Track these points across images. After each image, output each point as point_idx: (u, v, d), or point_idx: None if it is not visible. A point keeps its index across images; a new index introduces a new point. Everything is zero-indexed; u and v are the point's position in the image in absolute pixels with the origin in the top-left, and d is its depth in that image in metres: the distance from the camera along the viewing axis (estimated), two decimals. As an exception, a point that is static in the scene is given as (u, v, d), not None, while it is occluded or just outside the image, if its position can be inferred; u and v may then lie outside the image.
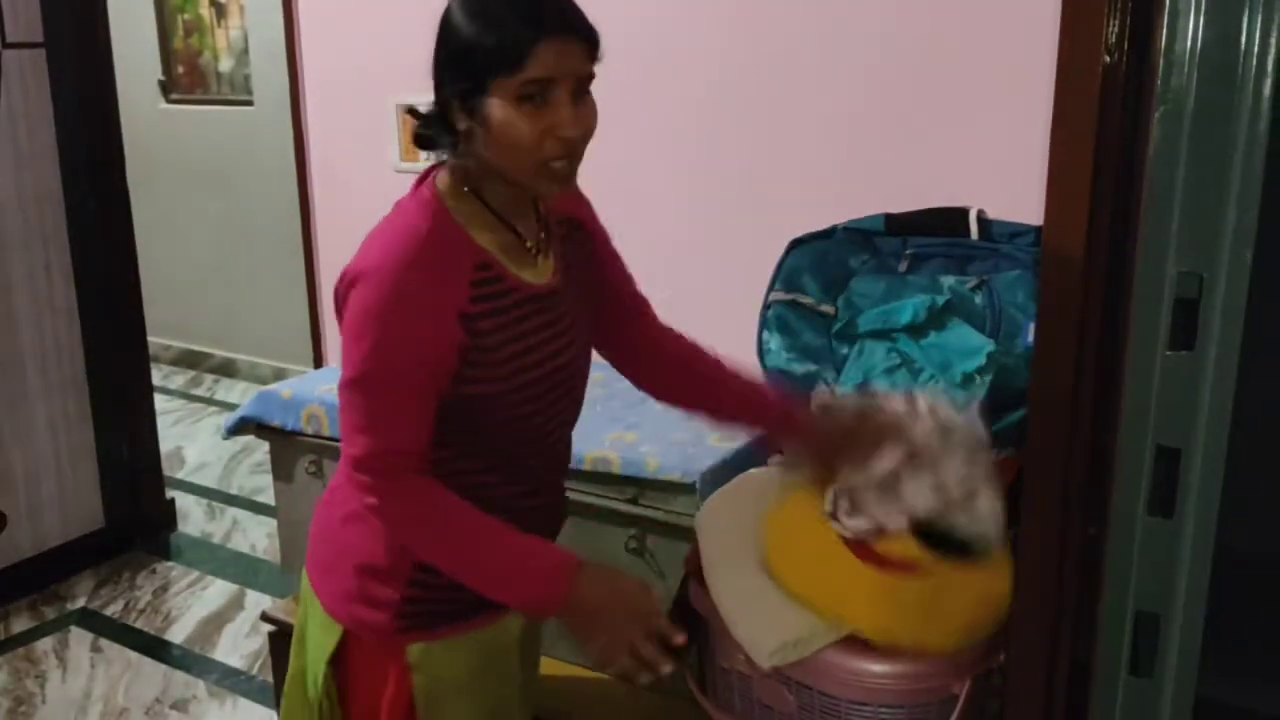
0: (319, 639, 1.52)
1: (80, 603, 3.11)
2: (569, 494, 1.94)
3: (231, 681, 2.72)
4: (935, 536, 1.45)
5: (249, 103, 4.78)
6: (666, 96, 2.37)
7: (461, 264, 1.35)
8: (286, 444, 2.22)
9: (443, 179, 1.40)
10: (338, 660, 1.51)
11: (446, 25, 1.32)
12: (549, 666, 2.03)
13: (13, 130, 3.00)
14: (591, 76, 1.32)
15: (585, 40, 1.29)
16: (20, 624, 3.00)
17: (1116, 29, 1.22)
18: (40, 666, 2.81)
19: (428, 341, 1.32)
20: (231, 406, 4.76)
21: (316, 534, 1.54)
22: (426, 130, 1.39)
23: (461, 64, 1.29)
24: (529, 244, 1.42)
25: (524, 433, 1.45)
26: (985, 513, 1.44)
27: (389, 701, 1.49)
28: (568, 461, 1.61)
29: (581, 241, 1.55)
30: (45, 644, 2.91)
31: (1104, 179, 1.25)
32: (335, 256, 3.05)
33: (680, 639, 1.37)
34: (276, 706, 1.87)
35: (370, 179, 2.83)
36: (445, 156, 1.40)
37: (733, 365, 1.60)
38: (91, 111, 3.18)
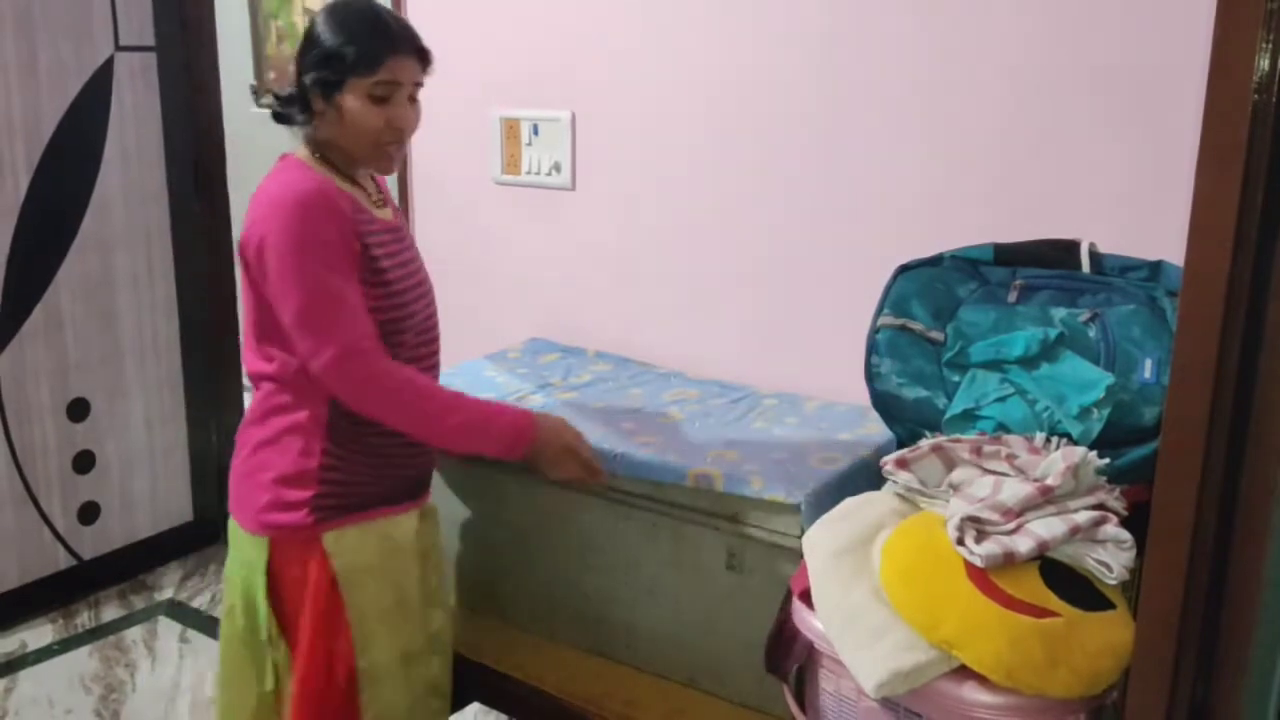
0: (249, 559, 1.79)
1: (168, 594, 3.19)
2: (672, 508, 1.97)
3: (315, 678, 2.76)
4: (1062, 579, 1.44)
5: (338, 109, 4.87)
6: (777, 117, 2.39)
7: (341, 198, 1.72)
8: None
9: (301, 152, 1.78)
10: (268, 572, 1.77)
11: (313, 32, 1.73)
12: (644, 681, 2.05)
13: (122, 131, 3.09)
14: (421, 85, 1.77)
15: (420, 58, 1.75)
16: (110, 612, 3.08)
17: (1267, 67, 1.22)
18: (130, 655, 2.88)
19: (343, 240, 1.67)
20: (310, 407, 4.85)
21: (235, 478, 1.84)
22: (283, 109, 1.78)
23: (325, 63, 1.70)
24: (371, 196, 1.83)
25: (416, 359, 1.82)
26: (1113, 551, 1.43)
27: (313, 586, 1.75)
28: None
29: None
30: (135, 633, 2.98)
31: (1247, 219, 1.24)
32: (433, 267, 3.09)
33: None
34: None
35: (470, 190, 2.87)
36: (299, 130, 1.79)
37: None
38: (197, 114, 3.26)
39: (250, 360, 1.79)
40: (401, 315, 1.78)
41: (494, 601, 2.26)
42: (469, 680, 2.16)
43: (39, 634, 2.95)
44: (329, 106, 1.72)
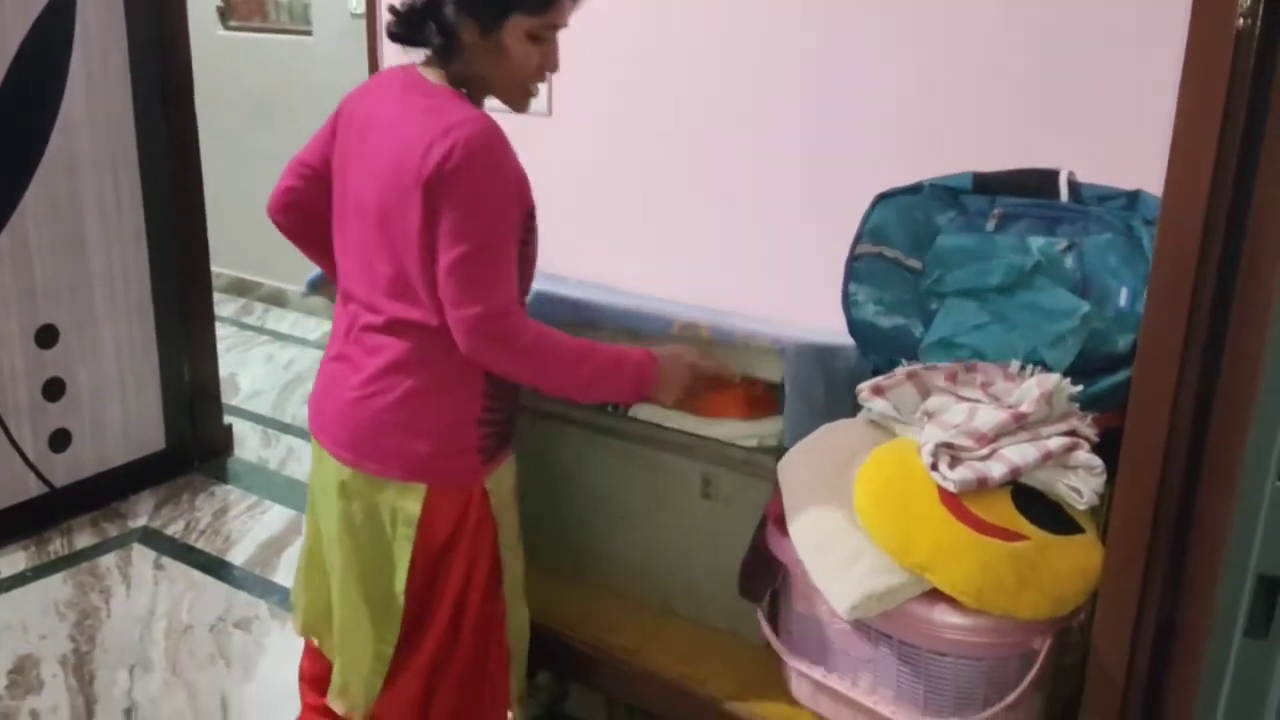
0: (395, 507, 1.72)
1: (141, 521, 3.18)
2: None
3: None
4: (1033, 503, 1.46)
5: (308, 33, 4.77)
6: (754, 45, 2.36)
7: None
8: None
9: (434, 76, 1.66)
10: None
11: None
12: (619, 605, 2.08)
13: (86, 52, 3.01)
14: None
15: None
16: (83, 540, 3.06)
17: (1252, -7, 1.21)
18: (104, 582, 2.87)
19: (522, 195, 1.62)
20: (283, 336, 4.81)
21: (374, 427, 1.70)
22: (404, 29, 1.66)
23: None
24: None
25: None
26: (1084, 476, 1.45)
27: (473, 526, 1.75)
28: None
29: None
30: (108, 560, 2.97)
31: (1228, 145, 1.25)
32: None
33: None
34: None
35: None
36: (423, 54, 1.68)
37: None
38: (164, 35, 3.18)
39: (395, 307, 1.66)
40: (522, 290, 1.70)
41: (470, 528, 2.27)
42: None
43: (12, 560, 2.94)
44: (484, 41, 1.61)
